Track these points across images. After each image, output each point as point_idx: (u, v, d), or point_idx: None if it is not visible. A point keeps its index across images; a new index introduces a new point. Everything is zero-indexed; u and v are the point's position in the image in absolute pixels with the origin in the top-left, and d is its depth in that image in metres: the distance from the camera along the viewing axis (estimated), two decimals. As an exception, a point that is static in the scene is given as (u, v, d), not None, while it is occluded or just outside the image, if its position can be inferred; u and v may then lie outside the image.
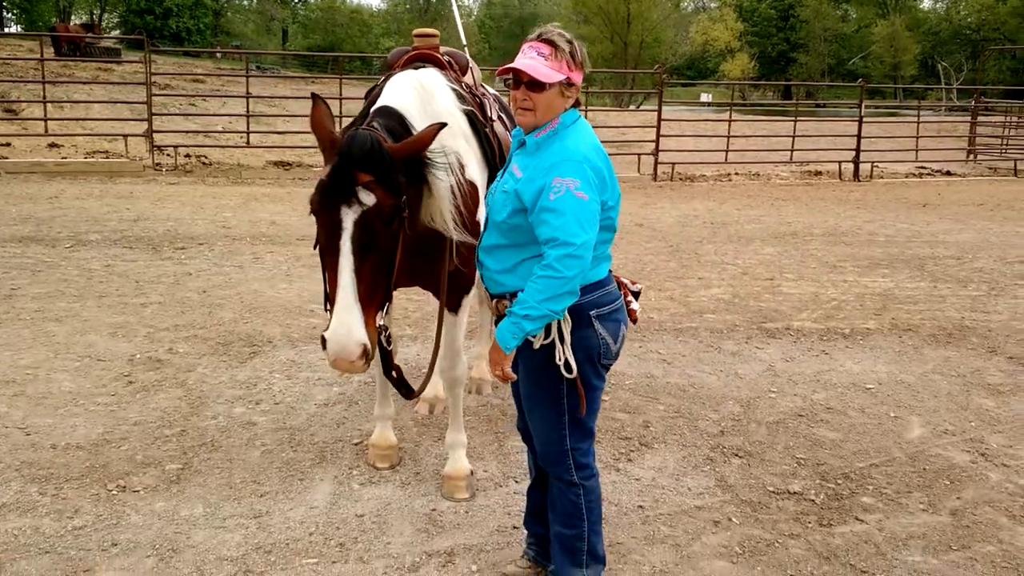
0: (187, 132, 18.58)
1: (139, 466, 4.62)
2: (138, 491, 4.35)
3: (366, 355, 3.21)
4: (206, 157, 17.65)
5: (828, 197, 17.00)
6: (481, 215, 4.22)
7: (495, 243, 3.28)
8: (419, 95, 3.99)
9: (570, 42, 3.15)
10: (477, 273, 3.58)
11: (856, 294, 8.92)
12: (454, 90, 4.30)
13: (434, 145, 3.49)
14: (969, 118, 25.70)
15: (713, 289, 8.93)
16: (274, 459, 4.76)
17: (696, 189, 17.66)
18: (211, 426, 5.16)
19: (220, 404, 5.49)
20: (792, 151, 20.13)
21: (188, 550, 3.86)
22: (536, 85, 3.09)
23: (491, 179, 4.54)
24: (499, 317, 3.30)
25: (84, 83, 21.02)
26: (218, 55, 49.22)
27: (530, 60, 3.10)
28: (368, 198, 3.22)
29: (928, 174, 21.71)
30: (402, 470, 4.70)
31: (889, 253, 11.18)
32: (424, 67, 4.48)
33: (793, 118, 21.19)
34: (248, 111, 18.02)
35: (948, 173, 21.88)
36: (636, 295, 3.42)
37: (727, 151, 19.57)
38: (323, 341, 3.24)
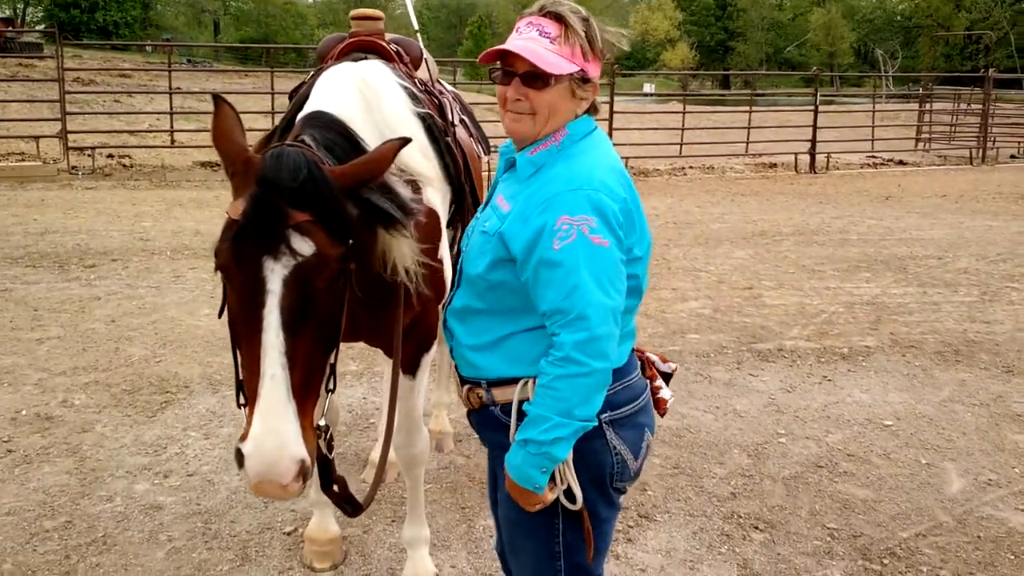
0: (109, 132, 17.19)
1: (5, 580, 3.58)
2: (-1, 621, 3.33)
3: (304, 474, 2.12)
4: (129, 158, 16.32)
5: (787, 191, 16.29)
6: (444, 252, 3.25)
7: (467, 305, 2.28)
8: (363, 96, 2.96)
9: (586, 20, 2.14)
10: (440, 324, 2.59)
11: (844, 303, 8.12)
12: (405, 88, 3.29)
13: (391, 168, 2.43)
14: (915, 106, 25.29)
15: (690, 302, 8.05)
16: (183, 561, 3.72)
17: (652, 184, 16.80)
18: (105, 512, 4.09)
19: (119, 478, 4.42)
20: (747, 143, 19.44)
21: None
22: (536, 78, 2.10)
23: (453, 201, 3.58)
24: (472, 410, 2.34)
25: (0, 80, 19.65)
26: (148, 49, 47.39)
27: (528, 41, 2.10)
28: (305, 246, 2.15)
29: (882, 164, 21.23)
30: (347, 571, 3.70)
31: (866, 253, 10.43)
32: (366, 58, 3.48)
33: (746, 108, 20.51)
34: (171, 108, 16.71)
35: (901, 163, 21.44)
36: (667, 378, 2.44)
37: (681, 144, 18.78)
38: (239, 456, 2.13)
